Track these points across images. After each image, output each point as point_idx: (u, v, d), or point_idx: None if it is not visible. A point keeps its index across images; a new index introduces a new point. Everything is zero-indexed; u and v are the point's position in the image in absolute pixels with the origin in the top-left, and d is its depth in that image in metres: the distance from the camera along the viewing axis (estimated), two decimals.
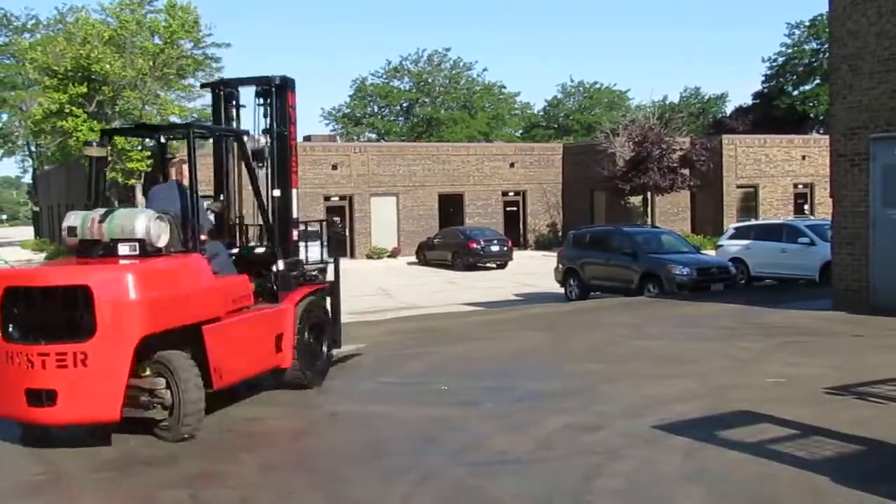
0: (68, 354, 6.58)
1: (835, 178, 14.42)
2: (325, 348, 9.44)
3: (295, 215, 9.22)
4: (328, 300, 9.89)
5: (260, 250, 9.04)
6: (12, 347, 6.75)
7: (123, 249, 7.38)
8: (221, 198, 9.08)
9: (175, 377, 7.01)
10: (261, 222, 8.98)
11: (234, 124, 9.36)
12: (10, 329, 6.87)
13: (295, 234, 9.25)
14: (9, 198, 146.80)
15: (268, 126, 9.18)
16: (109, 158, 28.30)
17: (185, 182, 8.41)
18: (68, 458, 6.89)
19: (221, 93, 9.42)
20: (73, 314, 6.77)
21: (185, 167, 8.38)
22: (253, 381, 8.71)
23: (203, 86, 9.44)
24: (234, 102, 9.44)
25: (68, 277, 6.93)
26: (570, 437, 7.05)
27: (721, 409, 7.68)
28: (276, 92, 9.10)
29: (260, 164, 9.01)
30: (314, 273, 9.72)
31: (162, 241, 7.49)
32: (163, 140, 9.18)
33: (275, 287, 8.81)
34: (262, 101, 9.22)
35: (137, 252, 7.35)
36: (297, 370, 8.79)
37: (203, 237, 8.06)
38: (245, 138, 8.87)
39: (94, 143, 8.43)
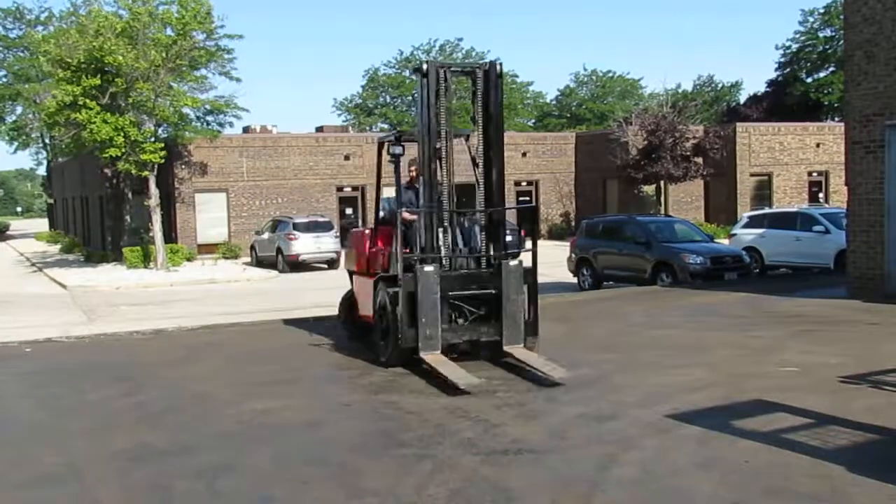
0: None
1: (850, 166, 14.32)
2: (421, 326, 9.07)
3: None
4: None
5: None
6: None
7: None
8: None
9: None
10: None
11: (491, 107, 9.61)
12: None
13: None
14: (24, 190, 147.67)
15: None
16: (124, 151, 28.50)
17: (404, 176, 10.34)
18: (83, 448, 6.94)
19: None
20: None
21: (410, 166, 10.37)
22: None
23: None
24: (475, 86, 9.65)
25: None
26: (584, 427, 7.06)
27: (735, 398, 7.66)
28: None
29: (392, 161, 10.06)
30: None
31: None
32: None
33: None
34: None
35: None
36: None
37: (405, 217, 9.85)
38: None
39: (397, 148, 10.12)
